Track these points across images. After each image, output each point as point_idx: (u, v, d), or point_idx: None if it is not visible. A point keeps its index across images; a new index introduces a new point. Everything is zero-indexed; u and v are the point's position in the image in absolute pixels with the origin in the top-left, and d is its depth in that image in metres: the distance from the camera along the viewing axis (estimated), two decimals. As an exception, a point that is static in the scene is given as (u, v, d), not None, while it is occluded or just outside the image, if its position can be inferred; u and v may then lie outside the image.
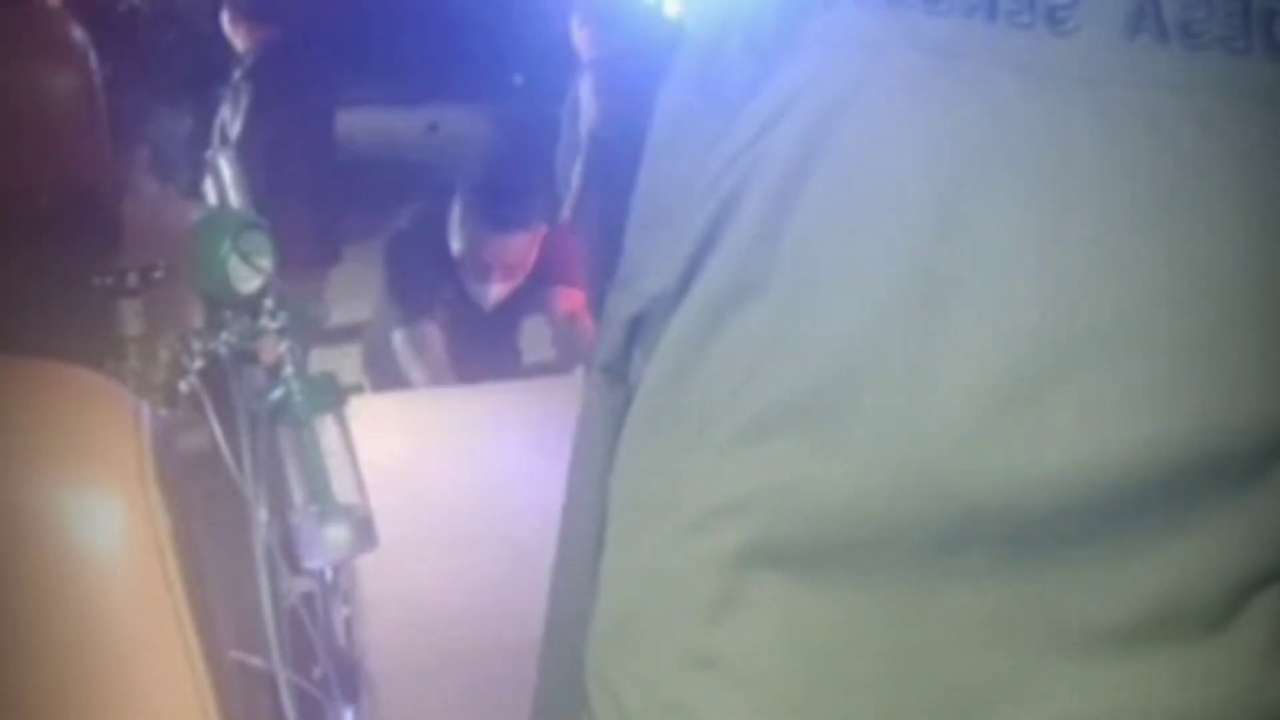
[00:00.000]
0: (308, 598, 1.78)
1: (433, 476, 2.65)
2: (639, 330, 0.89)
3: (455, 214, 3.93)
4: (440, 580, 2.44)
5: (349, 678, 1.98)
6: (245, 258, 1.69)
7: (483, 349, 3.94)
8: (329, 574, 1.94)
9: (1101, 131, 0.76)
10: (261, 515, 1.64)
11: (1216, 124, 0.75)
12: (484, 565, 2.40)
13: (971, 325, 0.76)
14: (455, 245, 3.89)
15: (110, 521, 1.04)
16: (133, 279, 1.87)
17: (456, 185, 4.02)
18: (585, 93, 4.39)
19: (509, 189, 4.03)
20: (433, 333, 3.99)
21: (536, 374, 3.92)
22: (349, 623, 2.11)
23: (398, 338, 3.97)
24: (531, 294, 3.99)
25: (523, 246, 3.90)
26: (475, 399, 3.21)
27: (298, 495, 1.69)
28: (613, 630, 0.90)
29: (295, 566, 1.71)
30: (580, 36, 4.44)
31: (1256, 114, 0.75)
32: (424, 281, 3.96)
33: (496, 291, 3.90)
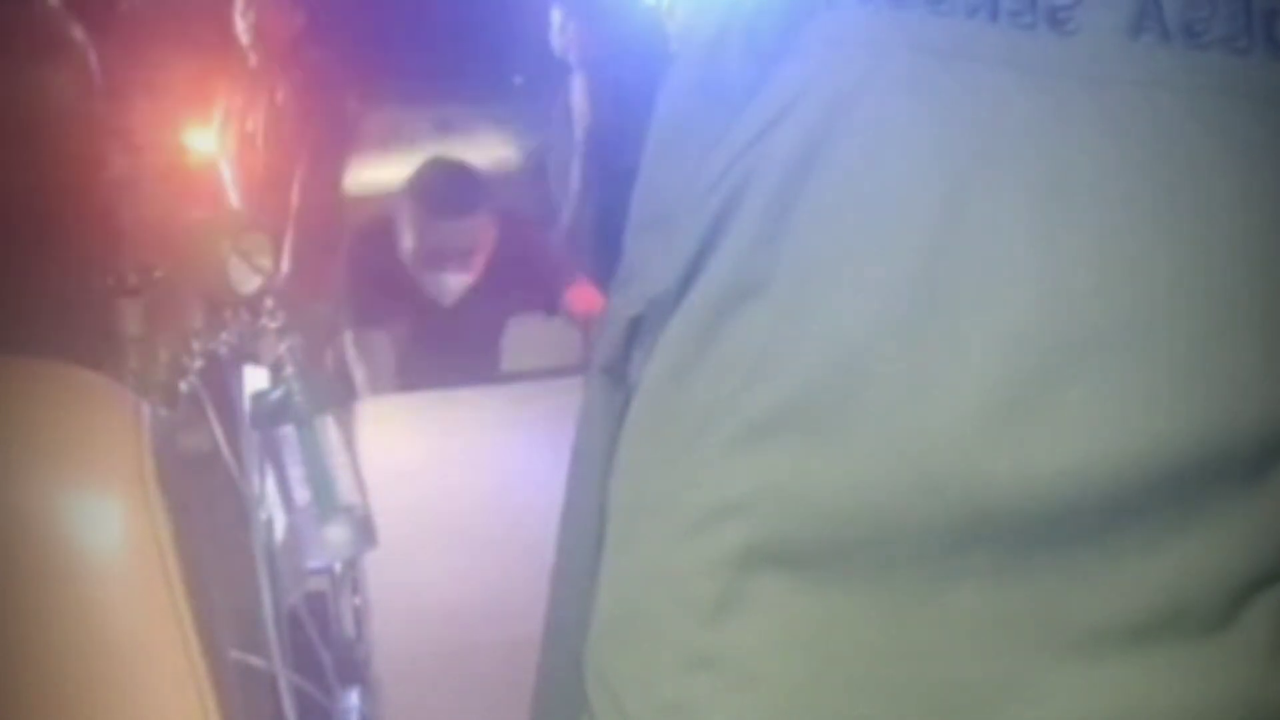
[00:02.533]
0: (311, 597, 1.79)
1: (442, 476, 2.65)
2: (639, 330, 0.89)
3: (401, 209, 3.82)
4: (448, 580, 2.44)
5: (355, 678, 1.98)
6: (245, 258, 1.69)
7: (454, 355, 3.80)
8: (337, 570, 1.95)
9: (1103, 131, 0.75)
10: (261, 515, 1.64)
11: (1218, 124, 0.75)
12: (493, 566, 2.40)
13: (973, 326, 0.76)
14: (404, 241, 3.76)
15: (110, 521, 1.04)
16: (133, 279, 1.87)
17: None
18: (577, 94, 4.35)
19: (453, 176, 3.92)
20: (380, 339, 3.90)
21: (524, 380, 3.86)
22: (359, 622, 2.11)
23: (348, 340, 3.86)
24: (507, 295, 3.88)
25: (475, 231, 3.74)
26: (486, 399, 3.19)
27: (298, 495, 1.70)
28: (613, 630, 0.90)
29: (296, 566, 1.71)
30: (567, 36, 4.38)
31: (1258, 114, 0.75)
32: (377, 283, 3.86)
33: (455, 283, 3.77)
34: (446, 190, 3.79)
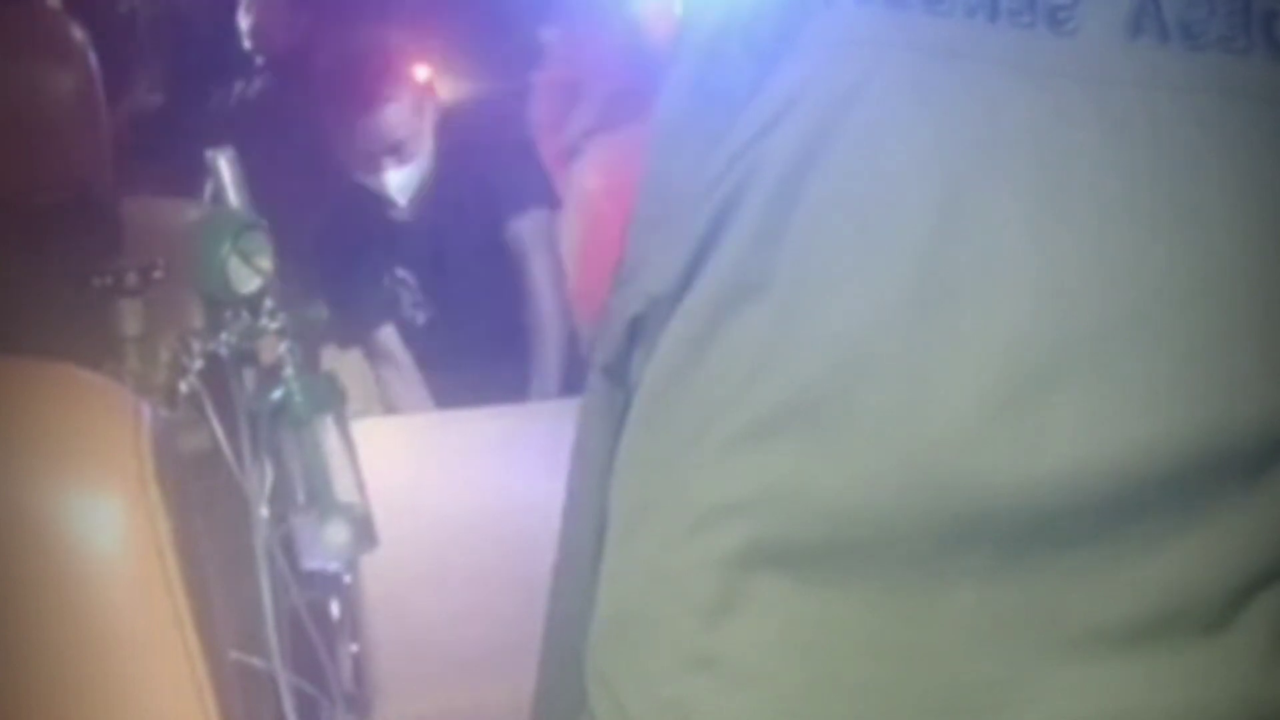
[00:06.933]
0: (311, 604, 1.78)
1: (441, 501, 2.62)
2: (639, 330, 0.89)
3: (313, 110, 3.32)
4: (446, 600, 2.41)
5: (354, 695, 1.97)
6: (245, 258, 1.69)
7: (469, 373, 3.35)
8: (336, 614, 1.92)
9: (1102, 131, 0.76)
10: (261, 515, 1.64)
11: (1217, 124, 0.75)
12: (492, 589, 2.37)
13: (972, 325, 0.76)
14: (331, 140, 3.28)
15: (110, 522, 1.04)
16: (133, 279, 1.87)
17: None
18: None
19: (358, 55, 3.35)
20: (389, 336, 3.42)
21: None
22: (358, 672, 2.08)
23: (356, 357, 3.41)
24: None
25: (405, 118, 3.24)
26: (485, 422, 3.13)
27: (298, 495, 1.70)
28: (613, 630, 0.90)
29: (296, 567, 1.71)
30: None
31: (1257, 114, 0.75)
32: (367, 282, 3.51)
33: (397, 178, 3.27)
34: (356, 75, 3.29)
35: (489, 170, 3.41)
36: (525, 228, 3.39)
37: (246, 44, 4.16)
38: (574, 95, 3.90)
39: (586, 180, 3.57)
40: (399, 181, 3.32)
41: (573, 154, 3.71)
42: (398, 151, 3.29)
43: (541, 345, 3.42)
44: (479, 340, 3.41)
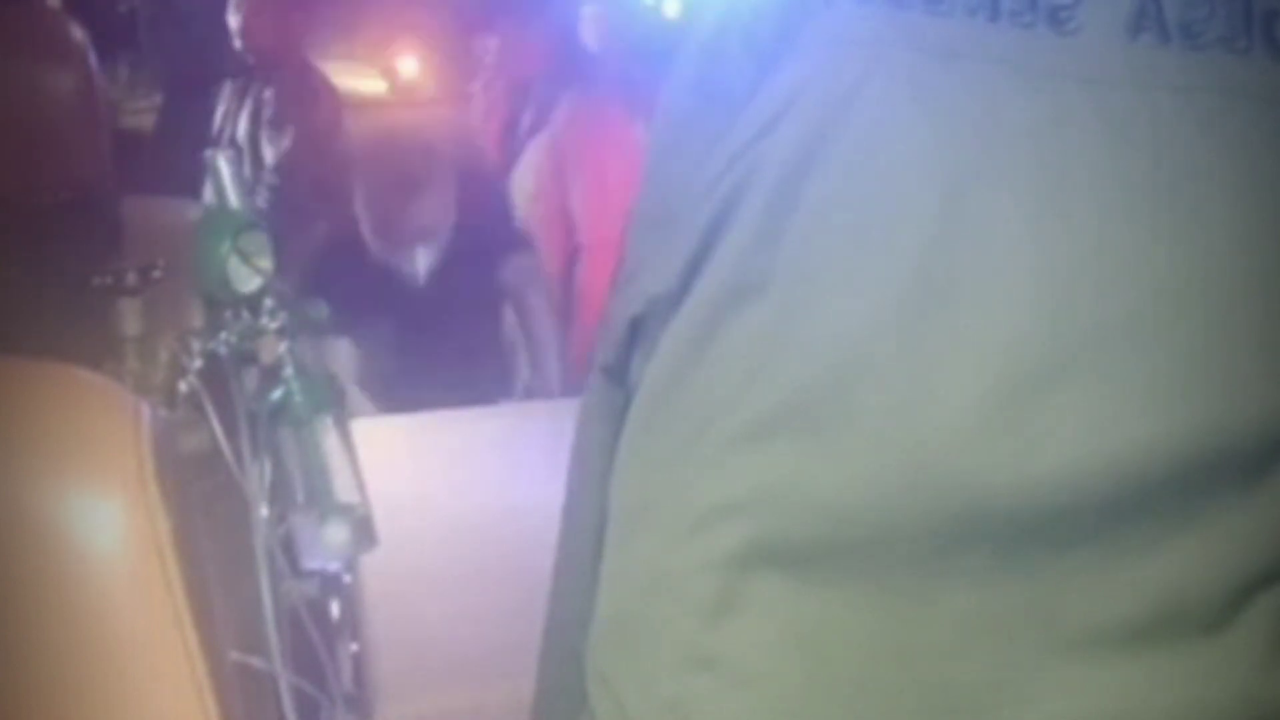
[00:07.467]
0: (311, 604, 1.78)
1: (440, 501, 2.61)
2: (639, 330, 0.89)
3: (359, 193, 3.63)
4: (446, 600, 2.41)
5: (354, 695, 1.96)
6: (245, 258, 1.69)
7: (443, 374, 3.52)
8: (335, 615, 1.92)
9: (1102, 131, 0.76)
10: (261, 515, 1.64)
11: (1217, 124, 0.75)
12: (492, 589, 2.37)
13: (971, 325, 0.76)
14: (362, 221, 3.57)
15: (110, 522, 1.04)
16: (133, 279, 1.87)
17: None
18: None
19: (406, 149, 3.75)
20: (344, 348, 3.55)
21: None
22: (358, 670, 2.07)
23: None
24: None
25: (437, 204, 3.60)
26: (485, 422, 3.13)
27: (298, 495, 1.69)
28: (613, 630, 0.90)
29: (296, 566, 1.71)
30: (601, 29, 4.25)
31: (1257, 114, 0.75)
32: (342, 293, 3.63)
33: (424, 258, 3.62)
34: (402, 165, 3.68)
35: (482, 222, 3.69)
36: (519, 267, 3.70)
37: (236, 43, 4.15)
38: (518, 98, 4.03)
39: (526, 184, 3.79)
40: (426, 261, 3.60)
41: (517, 158, 3.91)
42: (429, 235, 3.54)
43: (543, 361, 3.73)
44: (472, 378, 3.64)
